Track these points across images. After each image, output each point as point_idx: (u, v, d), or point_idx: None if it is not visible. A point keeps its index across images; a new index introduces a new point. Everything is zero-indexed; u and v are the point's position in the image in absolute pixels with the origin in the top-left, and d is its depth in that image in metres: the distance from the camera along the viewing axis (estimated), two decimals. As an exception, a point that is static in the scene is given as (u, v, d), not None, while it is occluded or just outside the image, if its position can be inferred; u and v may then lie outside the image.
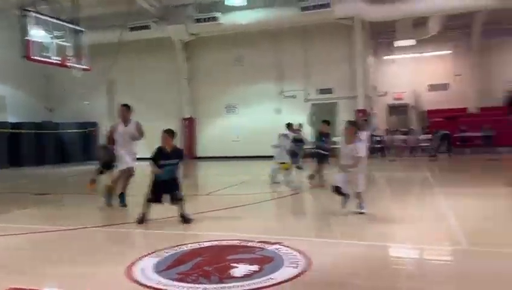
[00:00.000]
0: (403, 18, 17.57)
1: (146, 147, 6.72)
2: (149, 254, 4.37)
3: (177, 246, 4.62)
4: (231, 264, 4.00)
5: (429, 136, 17.73)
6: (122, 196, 7.25)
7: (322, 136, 9.30)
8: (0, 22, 17.04)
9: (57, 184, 12.91)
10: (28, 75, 20.02)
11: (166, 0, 18.72)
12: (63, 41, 14.07)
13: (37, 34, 13.33)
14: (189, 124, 20.69)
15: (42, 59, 13.50)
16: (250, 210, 5.36)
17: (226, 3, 15.95)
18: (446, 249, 4.57)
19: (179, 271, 3.89)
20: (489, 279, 3.53)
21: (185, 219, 5.81)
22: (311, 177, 9.47)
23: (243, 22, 17.90)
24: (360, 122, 11.09)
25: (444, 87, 20.17)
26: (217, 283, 3.56)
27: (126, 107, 7.31)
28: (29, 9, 13.39)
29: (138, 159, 7.39)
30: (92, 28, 16.23)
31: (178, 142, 18.66)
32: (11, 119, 19.48)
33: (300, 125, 13.92)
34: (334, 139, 9.77)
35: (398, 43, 19.22)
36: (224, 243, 4.76)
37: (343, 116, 18.34)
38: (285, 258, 4.10)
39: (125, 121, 7.24)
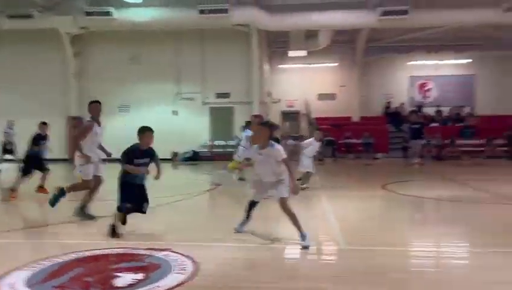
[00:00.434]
0: (296, 30, 18.57)
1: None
2: (21, 266, 3.95)
3: (54, 256, 4.25)
4: (115, 274, 3.80)
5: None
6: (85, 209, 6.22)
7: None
8: None
9: None
10: None
11: (53, -11, 17.29)
12: None
13: None
14: (78, 124, 19.26)
15: None
16: (142, 215, 5.15)
17: (120, -2, 15.26)
18: (327, 249, 4.90)
19: (56, 284, 3.58)
20: (361, 276, 3.85)
21: (114, 232, 5.07)
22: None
23: (138, 19, 17.27)
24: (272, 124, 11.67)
25: (331, 97, 21.76)
26: (97, 294, 3.36)
27: (100, 104, 6.39)
28: None
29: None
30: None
31: (63, 142, 17.54)
32: None
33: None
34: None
35: (292, 53, 20.25)
36: (109, 251, 4.51)
37: (239, 120, 18.76)
38: (174, 265, 4.02)
39: (99, 120, 6.36)
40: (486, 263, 4.24)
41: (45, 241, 5.24)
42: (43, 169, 8.65)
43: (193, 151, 18.98)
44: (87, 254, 4.40)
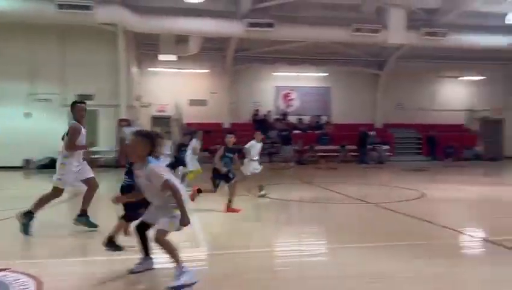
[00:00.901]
0: (165, 33, 18.24)
1: None
2: None
3: None
4: None
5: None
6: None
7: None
8: None
9: None
10: None
11: None
12: None
13: None
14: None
15: None
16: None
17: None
18: (191, 255, 4.82)
19: None
20: (218, 280, 3.86)
21: (115, 246, 4.45)
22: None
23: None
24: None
25: (202, 103, 21.88)
26: None
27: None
28: None
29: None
30: None
31: None
32: None
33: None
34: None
35: (162, 57, 19.83)
36: None
37: (104, 124, 17.66)
38: (13, 286, 3.51)
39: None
40: (342, 258, 4.61)
41: None
42: None
43: (50, 158, 17.17)
44: None
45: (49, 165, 17.05)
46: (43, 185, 9.33)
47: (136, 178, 3.79)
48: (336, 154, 20.41)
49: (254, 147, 9.26)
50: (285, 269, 4.26)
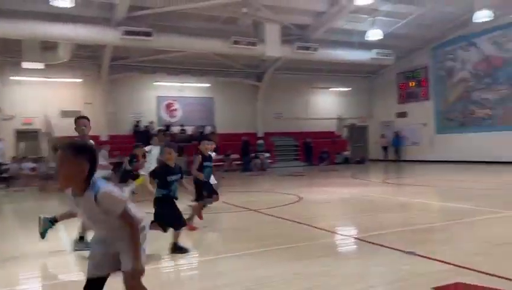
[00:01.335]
0: (27, 39, 16.50)
1: None
2: None
3: None
4: None
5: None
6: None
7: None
8: None
9: None
10: None
11: None
12: None
13: None
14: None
15: None
16: None
17: None
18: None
19: None
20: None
21: (181, 249, 5.02)
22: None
23: None
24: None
25: (76, 114, 20.14)
26: None
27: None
28: None
29: None
30: None
31: None
32: None
33: None
34: None
35: (26, 65, 17.90)
36: None
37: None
38: None
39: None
40: (219, 268, 4.54)
41: None
42: None
43: None
44: None
45: None
46: None
47: (76, 206, 2.58)
48: (221, 163, 20.56)
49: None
50: (163, 286, 4.05)
